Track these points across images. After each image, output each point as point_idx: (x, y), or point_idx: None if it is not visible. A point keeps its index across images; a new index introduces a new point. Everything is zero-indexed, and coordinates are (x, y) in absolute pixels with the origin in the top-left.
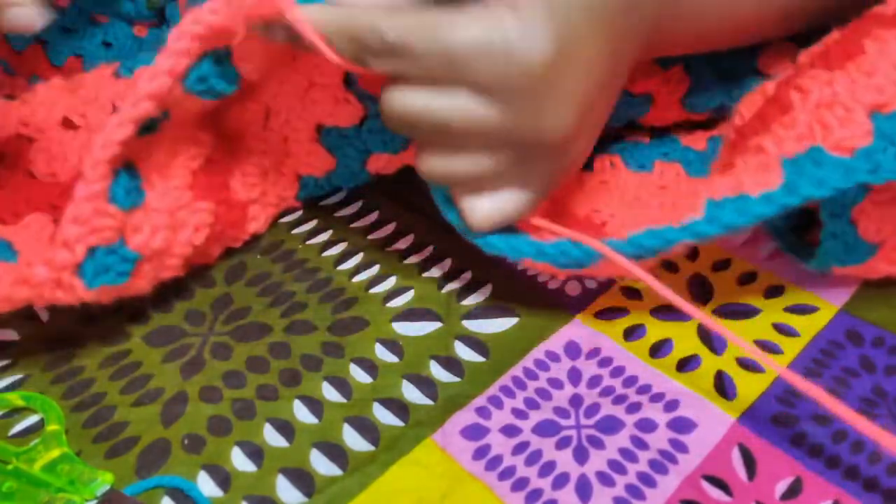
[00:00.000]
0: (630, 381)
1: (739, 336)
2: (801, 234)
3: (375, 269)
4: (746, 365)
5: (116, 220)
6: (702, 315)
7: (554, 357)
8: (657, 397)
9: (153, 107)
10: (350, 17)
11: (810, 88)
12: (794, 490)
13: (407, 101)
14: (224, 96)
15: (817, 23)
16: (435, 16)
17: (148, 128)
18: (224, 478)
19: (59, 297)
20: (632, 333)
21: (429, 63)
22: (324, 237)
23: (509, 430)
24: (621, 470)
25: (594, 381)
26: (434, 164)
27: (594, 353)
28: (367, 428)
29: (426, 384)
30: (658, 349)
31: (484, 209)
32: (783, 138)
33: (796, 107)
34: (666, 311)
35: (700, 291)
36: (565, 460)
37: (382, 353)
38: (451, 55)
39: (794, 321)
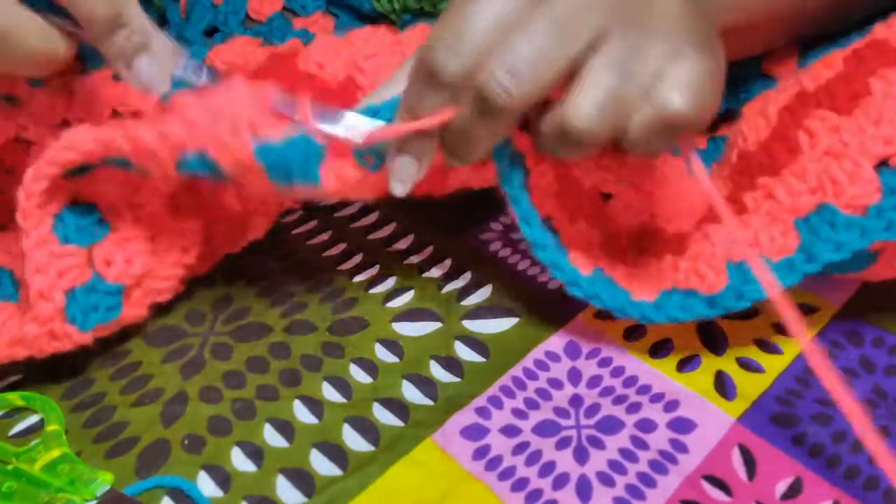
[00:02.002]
0: (630, 381)
1: (740, 335)
2: None
3: (375, 269)
4: (746, 365)
5: (79, 258)
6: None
7: (554, 357)
8: (657, 397)
9: (76, 160)
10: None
11: (818, 133)
12: (794, 490)
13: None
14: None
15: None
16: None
17: (84, 168)
18: (224, 478)
19: (58, 347)
20: (632, 333)
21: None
22: (324, 237)
23: (509, 431)
24: (621, 470)
25: (594, 381)
26: (585, 100)
27: (594, 353)
28: (367, 428)
29: (426, 384)
30: (658, 349)
31: (672, 90)
32: (794, 189)
33: (805, 152)
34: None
35: None
36: (565, 460)
37: (382, 354)
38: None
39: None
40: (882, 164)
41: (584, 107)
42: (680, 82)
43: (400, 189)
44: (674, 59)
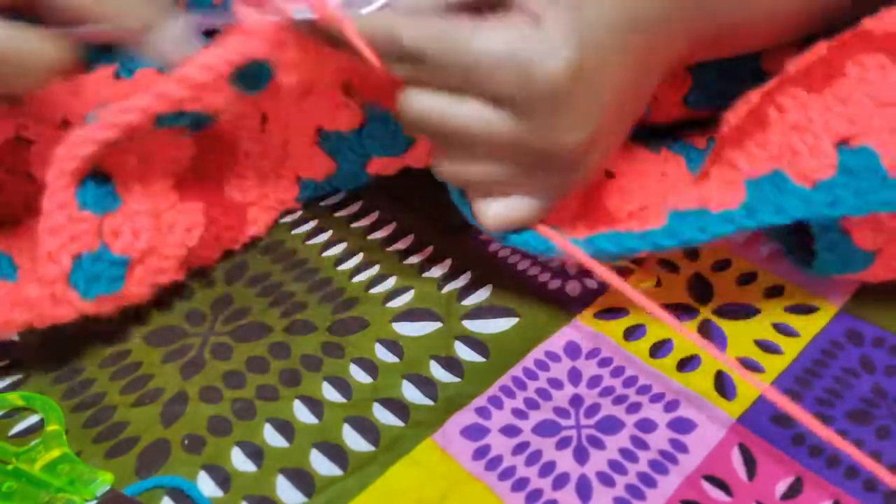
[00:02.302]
0: (630, 381)
1: (740, 335)
2: (803, 236)
3: (375, 269)
4: (746, 365)
5: (92, 225)
6: (669, 318)
7: (554, 357)
8: (657, 397)
9: (118, 133)
10: (373, 23)
11: (788, 108)
12: (794, 490)
13: (424, 105)
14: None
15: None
16: (454, 25)
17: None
18: (224, 478)
19: (58, 314)
20: (632, 333)
21: (444, 71)
22: (324, 237)
23: (509, 431)
24: (621, 470)
25: (594, 381)
26: (448, 168)
27: (594, 353)
28: (367, 428)
29: (426, 384)
30: (658, 349)
31: (494, 212)
32: (755, 157)
33: (772, 125)
34: (666, 312)
35: (700, 291)
36: (565, 460)
37: (382, 354)
38: (467, 65)
39: (794, 321)
40: (843, 143)
41: (448, 171)
42: (504, 211)
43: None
44: (525, 193)
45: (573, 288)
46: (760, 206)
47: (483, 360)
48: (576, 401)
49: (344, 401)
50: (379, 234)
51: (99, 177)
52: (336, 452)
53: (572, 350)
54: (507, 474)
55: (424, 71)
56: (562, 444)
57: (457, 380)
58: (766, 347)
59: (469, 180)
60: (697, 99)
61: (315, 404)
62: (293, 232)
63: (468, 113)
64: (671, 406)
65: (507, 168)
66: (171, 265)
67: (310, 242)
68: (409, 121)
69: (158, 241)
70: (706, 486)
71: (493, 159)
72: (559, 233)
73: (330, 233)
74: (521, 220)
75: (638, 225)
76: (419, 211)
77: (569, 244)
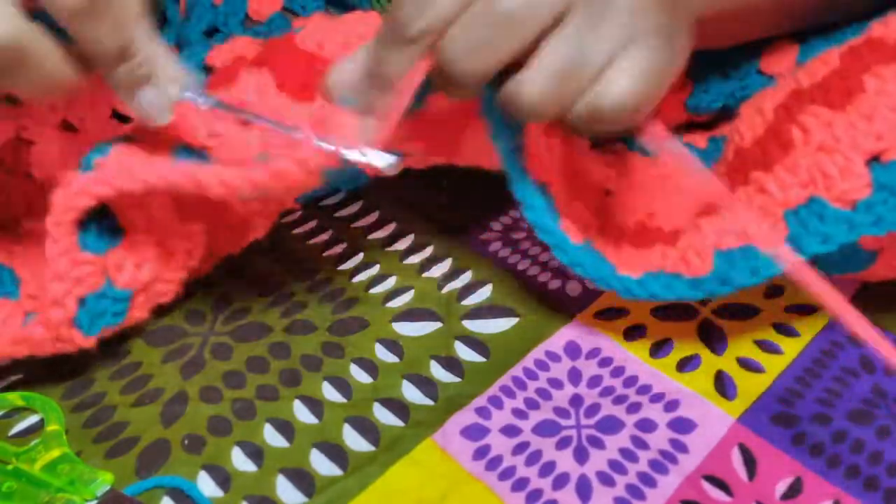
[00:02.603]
0: (630, 381)
1: (740, 335)
2: None
3: (375, 269)
4: (746, 365)
5: (96, 266)
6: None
7: (554, 357)
8: (657, 397)
9: (115, 193)
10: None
11: (811, 128)
12: (794, 490)
13: (532, 85)
14: None
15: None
16: None
17: None
18: (224, 478)
19: (60, 349)
20: (632, 333)
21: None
22: (324, 237)
23: (509, 431)
24: (621, 470)
25: (594, 381)
26: (534, 82)
27: (594, 353)
28: (368, 428)
29: (426, 384)
30: (658, 349)
31: (611, 90)
32: (786, 183)
33: (797, 147)
34: (666, 311)
35: None
36: (565, 460)
37: (382, 353)
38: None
39: (794, 321)
40: (873, 160)
41: (533, 83)
42: (625, 72)
43: (364, 138)
44: (627, 47)
45: (573, 288)
46: (805, 238)
47: (483, 360)
48: (576, 401)
49: (344, 401)
50: (379, 234)
51: (100, 214)
52: (336, 452)
53: (572, 350)
54: (507, 474)
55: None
56: (562, 444)
57: (457, 380)
58: (766, 347)
59: (556, 71)
60: (698, 103)
61: (315, 404)
62: (293, 232)
63: (560, 48)
64: (671, 406)
65: (572, 31)
66: (172, 288)
67: (310, 242)
68: (533, 96)
69: (161, 269)
70: (706, 486)
71: (554, 36)
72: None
73: (330, 233)
74: (638, 89)
75: (682, 262)
76: (419, 211)
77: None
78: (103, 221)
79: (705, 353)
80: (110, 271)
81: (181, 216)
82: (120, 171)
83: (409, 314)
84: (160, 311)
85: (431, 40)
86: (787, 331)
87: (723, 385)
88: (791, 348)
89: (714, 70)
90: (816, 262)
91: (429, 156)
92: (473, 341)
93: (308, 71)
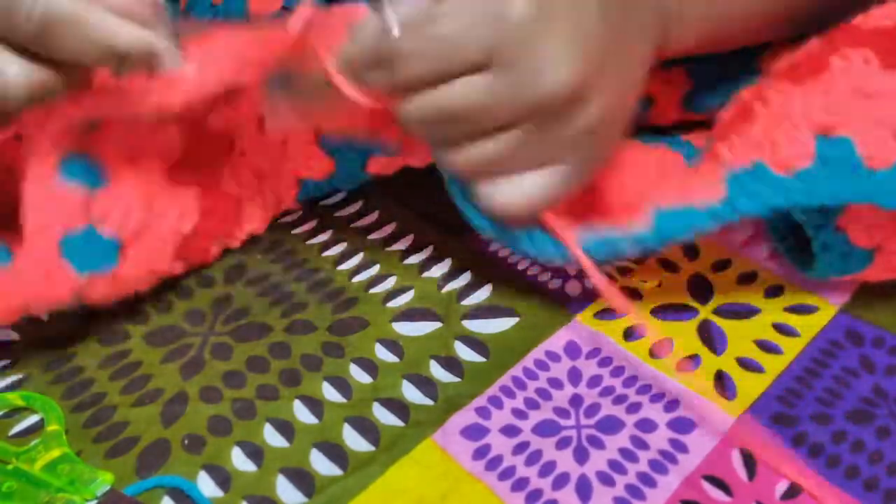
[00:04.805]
0: (630, 381)
1: (740, 335)
2: (801, 238)
3: (375, 269)
4: (746, 365)
5: (77, 202)
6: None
7: (554, 357)
8: (657, 397)
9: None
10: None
11: (772, 100)
12: (794, 490)
13: (419, 107)
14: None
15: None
16: (417, 11)
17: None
18: (224, 478)
19: (54, 294)
20: (632, 333)
21: (422, 59)
22: (324, 237)
23: (509, 431)
24: (621, 470)
25: (594, 381)
26: (455, 157)
27: (594, 353)
28: (367, 428)
29: (426, 384)
30: (658, 349)
31: (507, 193)
32: (737, 148)
33: (757, 118)
34: (666, 311)
35: (700, 291)
36: (565, 460)
37: (382, 353)
38: (441, 43)
39: (794, 321)
40: (822, 134)
41: (467, 160)
42: (537, 184)
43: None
44: (554, 163)
45: (573, 288)
46: (740, 198)
47: (483, 360)
48: (576, 401)
49: (344, 401)
50: (379, 234)
51: (84, 157)
52: (336, 452)
53: (572, 350)
54: (507, 474)
55: (403, 70)
56: (562, 444)
57: (457, 380)
58: (766, 347)
59: (478, 162)
60: (697, 101)
61: (315, 404)
62: (293, 232)
63: (459, 91)
64: (671, 406)
65: (512, 136)
66: (167, 250)
67: (310, 242)
68: (414, 129)
69: (152, 223)
70: (706, 486)
71: (497, 130)
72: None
73: (330, 233)
74: (533, 200)
75: (625, 222)
76: (419, 211)
77: (572, 242)
78: (86, 164)
79: (705, 353)
80: (94, 217)
81: (174, 181)
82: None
83: (409, 314)
84: (160, 310)
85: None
86: (787, 331)
87: (723, 385)
88: (791, 348)
89: (713, 69)
90: (814, 265)
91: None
92: (473, 341)
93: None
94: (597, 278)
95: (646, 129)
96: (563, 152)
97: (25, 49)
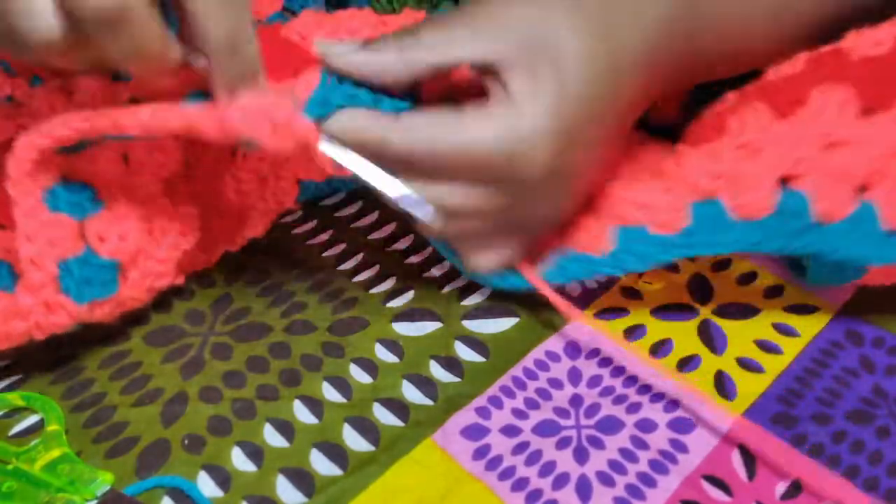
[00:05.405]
0: (630, 381)
1: (740, 335)
2: None
3: (375, 269)
4: (746, 365)
5: (70, 229)
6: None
7: (554, 357)
8: (657, 397)
9: (55, 143)
10: (362, 132)
11: (747, 123)
12: (794, 490)
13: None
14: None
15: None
16: (439, 123)
17: (80, 146)
18: (224, 478)
19: (55, 323)
20: (632, 333)
21: (433, 168)
22: (324, 237)
23: (509, 431)
24: (621, 470)
25: (594, 381)
26: (438, 233)
27: (594, 353)
28: (367, 428)
29: (426, 384)
30: (658, 349)
31: (484, 263)
32: (702, 167)
33: (728, 135)
34: (666, 311)
35: (700, 291)
36: (565, 460)
37: (382, 353)
38: (455, 162)
39: (794, 321)
40: (785, 181)
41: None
42: (486, 261)
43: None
44: (506, 241)
45: (573, 288)
46: (698, 235)
47: (483, 360)
48: (576, 401)
49: (344, 401)
50: (379, 234)
51: (74, 183)
52: (336, 452)
53: (572, 350)
54: (507, 474)
55: (413, 171)
56: (562, 444)
57: (457, 380)
58: (766, 347)
59: (459, 240)
60: (697, 105)
61: (315, 404)
62: (293, 232)
63: (458, 193)
64: (671, 406)
65: (493, 227)
66: (168, 269)
67: (310, 242)
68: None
69: (152, 245)
70: (706, 486)
71: (482, 224)
72: (534, 267)
73: (330, 233)
74: (508, 264)
75: (587, 242)
76: None
77: (540, 282)
78: (76, 192)
79: (705, 353)
80: (90, 240)
81: (172, 199)
82: (57, 122)
83: (409, 314)
84: (160, 310)
85: None
86: (787, 331)
87: (723, 385)
88: (791, 348)
89: None
90: (813, 274)
91: None
92: (473, 341)
93: (285, 58)
94: (561, 305)
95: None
96: (531, 234)
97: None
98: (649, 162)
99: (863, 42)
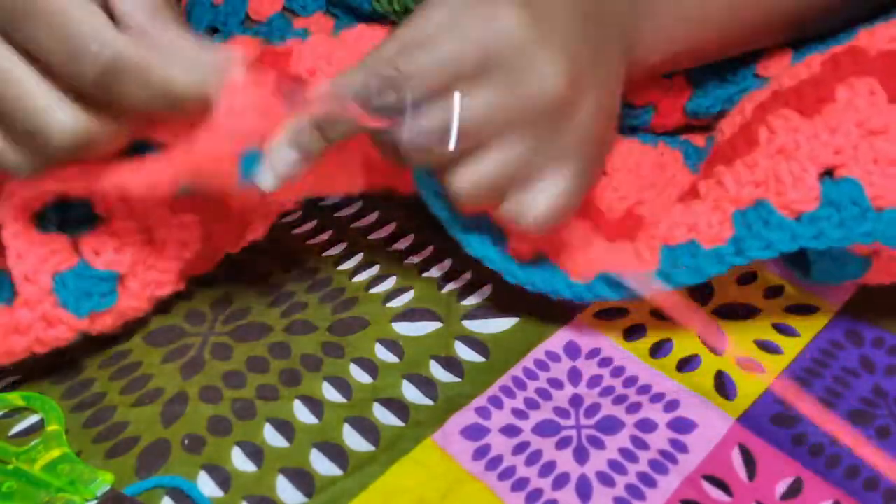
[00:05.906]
0: (630, 381)
1: (740, 335)
2: None
3: (375, 269)
4: (747, 365)
5: (61, 244)
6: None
7: (554, 357)
8: (657, 397)
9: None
10: (367, 67)
11: (777, 130)
12: (794, 490)
13: (416, 131)
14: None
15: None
16: (420, 30)
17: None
18: (224, 478)
19: (56, 337)
20: (632, 333)
21: (427, 77)
22: (324, 237)
23: (509, 431)
24: (621, 470)
25: (594, 381)
26: (470, 179)
27: (594, 353)
28: (367, 428)
29: (426, 384)
30: (658, 349)
31: (539, 201)
32: (741, 179)
33: (761, 146)
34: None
35: (700, 291)
36: (565, 460)
37: (382, 353)
38: (441, 62)
39: (794, 321)
40: (827, 174)
41: (469, 179)
42: (548, 192)
43: (269, 182)
44: (559, 164)
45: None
46: (748, 241)
47: (483, 360)
48: (576, 401)
49: (344, 401)
50: (379, 234)
51: (65, 202)
52: (336, 452)
53: (572, 350)
54: (507, 474)
55: (409, 89)
56: (562, 444)
57: (457, 380)
58: (766, 347)
59: (487, 180)
60: (697, 107)
61: (315, 404)
62: (293, 232)
63: (481, 96)
64: (671, 406)
65: (519, 146)
66: (169, 279)
67: (310, 242)
68: (413, 157)
69: (152, 255)
70: (706, 486)
71: (501, 144)
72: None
73: (330, 233)
74: (557, 205)
75: (635, 258)
76: (419, 211)
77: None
78: (69, 212)
79: (705, 353)
80: (85, 254)
81: (172, 209)
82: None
83: (409, 314)
84: (160, 310)
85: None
86: (787, 331)
87: (723, 385)
88: (791, 348)
89: (712, 75)
90: (812, 271)
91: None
92: (473, 341)
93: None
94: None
95: (645, 131)
96: (564, 159)
97: (81, 96)
98: (678, 187)
99: (878, 39)
